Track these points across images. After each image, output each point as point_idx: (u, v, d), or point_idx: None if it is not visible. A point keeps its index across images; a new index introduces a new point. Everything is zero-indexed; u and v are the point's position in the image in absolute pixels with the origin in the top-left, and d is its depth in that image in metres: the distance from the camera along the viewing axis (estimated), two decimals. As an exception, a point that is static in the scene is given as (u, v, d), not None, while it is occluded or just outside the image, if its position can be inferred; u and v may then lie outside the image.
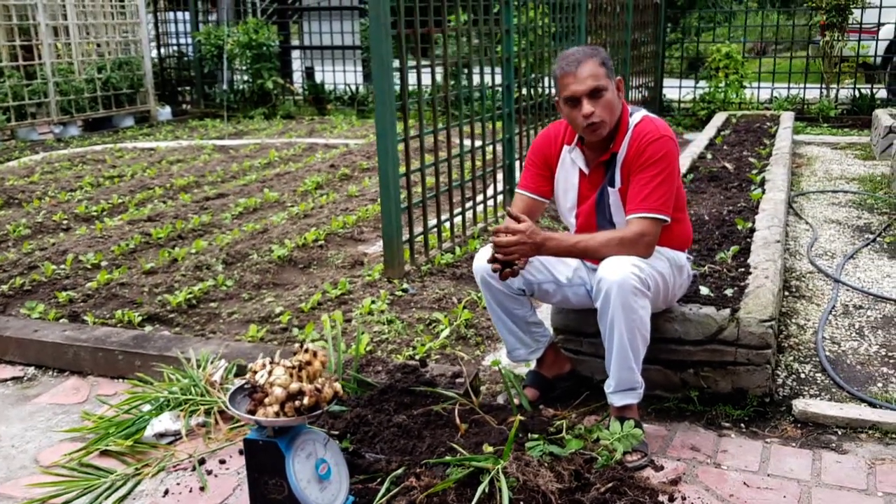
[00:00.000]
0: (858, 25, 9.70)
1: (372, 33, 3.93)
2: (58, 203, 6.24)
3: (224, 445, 2.76)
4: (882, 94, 10.08)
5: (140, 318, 3.83)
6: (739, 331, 2.86)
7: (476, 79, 5.16)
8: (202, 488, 2.53)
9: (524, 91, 5.88)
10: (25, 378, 3.41)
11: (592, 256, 2.69)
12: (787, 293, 4.04)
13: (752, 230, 4.07)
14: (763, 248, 3.67)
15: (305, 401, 2.20)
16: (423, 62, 4.35)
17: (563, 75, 2.65)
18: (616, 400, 2.68)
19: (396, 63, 4.21)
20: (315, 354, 2.33)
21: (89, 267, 4.63)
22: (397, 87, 4.24)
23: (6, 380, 3.39)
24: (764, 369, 2.87)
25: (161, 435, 2.82)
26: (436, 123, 4.55)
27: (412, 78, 4.32)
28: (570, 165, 2.84)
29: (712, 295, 3.11)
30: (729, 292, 3.15)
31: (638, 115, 2.73)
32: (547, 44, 6.16)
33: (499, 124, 5.56)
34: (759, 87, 10.25)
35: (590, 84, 2.60)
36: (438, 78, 4.74)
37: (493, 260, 2.64)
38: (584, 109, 2.61)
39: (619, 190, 2.74)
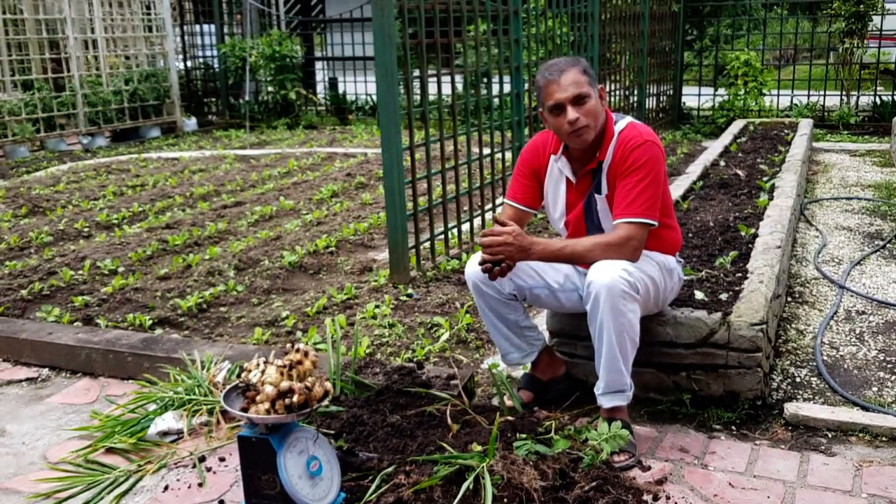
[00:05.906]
0: (879, 32, 9.64)
1: (376, 43, 4.01)
2: (80, 211, 6.40)
3: (224, 444, 2.85)
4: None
5: (151, 321, 3.93)
6: (730, 334, 2.89)
7: (486, 88, 5.23)
8: (200, 484, 2.62)
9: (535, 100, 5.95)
10: (39, 379, 3.53)
11: (580, 261, 2.73)
12: (789, 299, 4.05)
13: (755, 236, 4.08)
14: (762, 254, 3.69)
15: (295, 399, 2.28)
16: (432, 71, 4.44)
17: (546, 84, 2.70)
18: (605, 402, 2.72)
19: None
20: (306, 354, 2.41)
21: (106, 273, 4.76)
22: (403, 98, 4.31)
23: (21, 380, 3.51)
24: (755, 372, 2.90)
25: (164, 433, 2.91)
26: (442, 132, 4.61)
27: (417, 87, 4.40)
28: (558, 175, 2.89)
29: (706, 299, 3.14)
30: (724, 297, 3.18)
31: (623, 122, 2.78)
32: (565, 52, 6.24)
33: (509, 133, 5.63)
34: (778, 95, 10.21)
35: (573, 91, 2.65)
36: (447, 87, 4.80)
37: (482, 262, 2.71)
38: (568, 116, 2.65)
39: (605, 197, 2.78)
